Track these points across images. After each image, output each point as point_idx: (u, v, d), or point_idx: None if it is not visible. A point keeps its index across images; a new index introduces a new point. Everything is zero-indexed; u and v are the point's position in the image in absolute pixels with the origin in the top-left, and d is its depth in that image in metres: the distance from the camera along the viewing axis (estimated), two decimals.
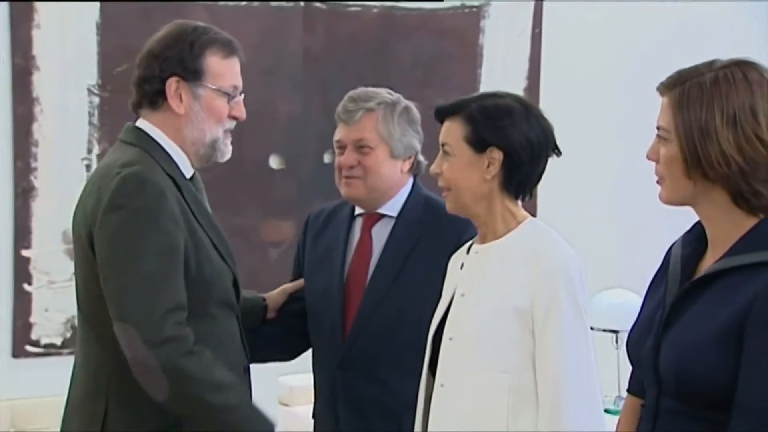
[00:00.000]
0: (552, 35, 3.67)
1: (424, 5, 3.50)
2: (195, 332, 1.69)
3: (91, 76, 3.12)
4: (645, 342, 1.51)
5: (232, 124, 1.87)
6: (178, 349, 1.65)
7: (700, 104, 1.43)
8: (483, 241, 1.87)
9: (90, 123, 3.13)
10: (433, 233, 2.08)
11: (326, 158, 3.43)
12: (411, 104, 2.17)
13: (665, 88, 1.48)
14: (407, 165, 2.15)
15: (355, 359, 2.04)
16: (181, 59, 1.80)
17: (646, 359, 1.50)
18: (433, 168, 1.87)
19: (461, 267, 1.88)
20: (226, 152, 1.87)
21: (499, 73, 3.62)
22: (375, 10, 3.44)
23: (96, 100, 3.14)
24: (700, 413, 1.43)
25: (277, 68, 3.34)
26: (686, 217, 1.56)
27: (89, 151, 3.14)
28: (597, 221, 3.76)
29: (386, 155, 2.11)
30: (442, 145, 1.86)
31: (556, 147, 1.88)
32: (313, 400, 2.18)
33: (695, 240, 1.53)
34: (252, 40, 3.29)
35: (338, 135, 2.17)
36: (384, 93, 2.18)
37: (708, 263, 1.48)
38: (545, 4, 3.66)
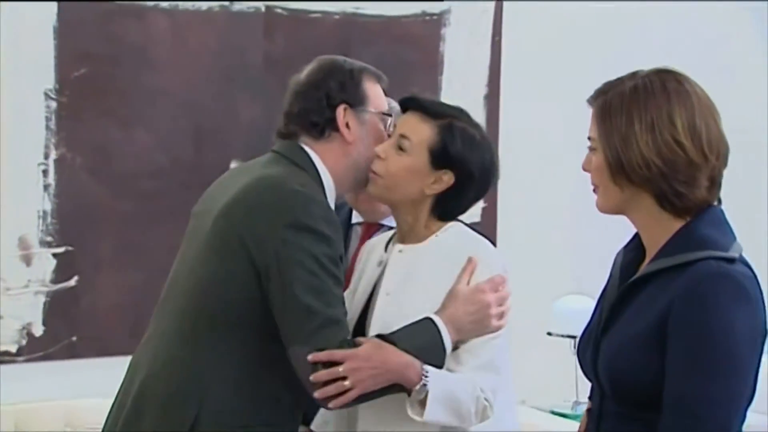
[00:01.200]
0: (512, 43, 3.70)
1: (386, 12, 3.51)
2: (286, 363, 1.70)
3: (48, 81, 3.08)
4: (588, 347, 1.54)
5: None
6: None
7: (620, 112, 1.50)
8: (404, 240, 1.87)
9: (47, 128, 3.09)
10: None
11: None
12: None
13: (592, 99, 1.56)
14: None
15: None
16: (344, 87, 1.82)
17: (588, 363, 1.55)
18: (380, 151, 1.83)
19: (379, 264, 1.87)
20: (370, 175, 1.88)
21: (460, 80, 3.64)
22: (336, 17, 3.44)
23: (53, 104, 3.10)
24: (637, 414, 1.49)
25: (238, 74, 3.32)
26: None
27: (46, 156, 3.10)
28: (556, 227, 3.79)
29: None
30: (401, 136, 1.82)
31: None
32: None
33: (635, 248, 1.58)
34: (213, 45, 3.28)
35: None
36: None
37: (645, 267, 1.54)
38: (505, 12, 3.69)
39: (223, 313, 1.71)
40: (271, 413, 1.73)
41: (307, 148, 1.81)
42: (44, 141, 3.09)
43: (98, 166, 3.15)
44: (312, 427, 1.99)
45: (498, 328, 1.76)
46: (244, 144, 3.35)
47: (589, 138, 1.56)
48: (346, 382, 1.63)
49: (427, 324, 1.73)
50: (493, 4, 3.68)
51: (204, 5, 3.25)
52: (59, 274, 3.10)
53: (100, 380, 3.00)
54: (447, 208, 1.84)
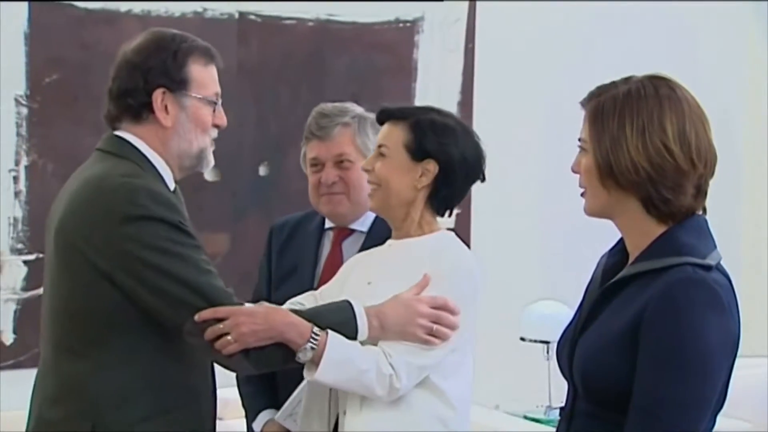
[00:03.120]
0: (485, 50, 3.72)
1: (359, 19, 3.52)
2: (175, 349, 1.68)
3: (19, 87, 3.06)
4: (566, 346, 1.58)
5: (215, 133, 1.84)
6: None
7: (612, 115, 1.51)
8: (396, 238, 1.94)
9: (18, 134, 3.07)
10: None
11: (261, 171, 3.41)
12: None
13: (586, 101, 1.57)
14: None
15: None
16: (165, 69, 1.75)
17: (565, 362, 1.56)
18: (365, 165, 1.91)
19: (371, 265, 1.92)
20: (211, 161, 1.84)
21: (433, 88, 3.65)
22: (310, 24, 3.44)
23: (24, 110, 3.08)
24: (607, 415, 1.50)
25: None
26: (616, 231, 1.61)
27: (17, 163, 3.08)
28: (528, 233, 3.81)
29: None
30: (379, 146, 1.91)
31: (484, 173, 1.96)
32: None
33: (618, 251, 1.60)
34: None
35: (313, 152, 2.15)
36: (352, 106, 2.20)
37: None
38: (478, 20, 3.71)
39: (94, 327, 1.68)
40: (170, 399, 1.70)
41: (126, 135, 1.76)
42: (15, 147, 3.07)
43: (70, 173, 3.08)
44: (278, 419, 2.01)
45: (424, 342, 1.77)
46: (217, 150, 3.33)
47: (579, 139, 1.57)
48: (228, 337, 1.65)
49: (342, 305, 1.76)
50: (466, 11, 3.70)
51: (177, 11, 3.25)
52: (30, 282, 3.08)
53: None
54: (441, 197, 1.90)
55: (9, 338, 3.06)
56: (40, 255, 3.08)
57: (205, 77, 1.79)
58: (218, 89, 1.83)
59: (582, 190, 1.58)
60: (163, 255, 1.65)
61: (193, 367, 1.74)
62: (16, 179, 3.07)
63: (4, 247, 3.05)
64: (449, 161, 1.88)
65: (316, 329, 1.70)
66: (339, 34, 3.49)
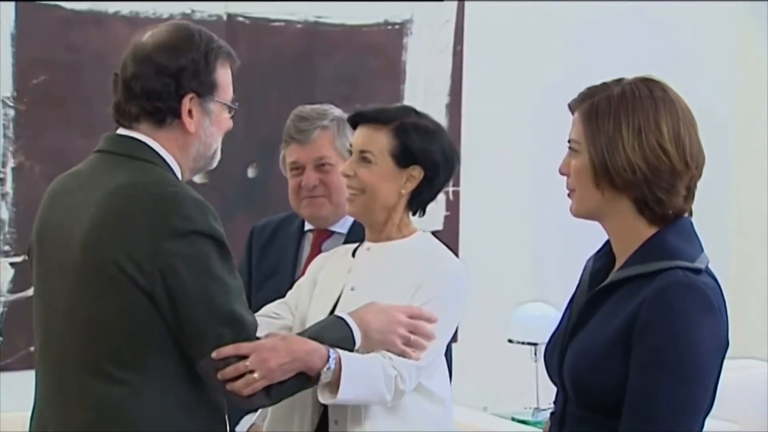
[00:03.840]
0: (474, 52, 3.73)
1: (348, 21, 3.52)
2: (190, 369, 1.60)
3: (6, 88, 3.05)
4: (555, 351, 1.57)
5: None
6: None
7: (608, 116, 1.51)
8: (374, 240, 1.92)
9: (5, 136, 3.06)
10: None
11: (250, 173, 3.41)
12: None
13: (576, 103, 1.57)
14: None
15: None
16: (197, 73, 1.63)
17: (554, 367, 1.56)
18: (346, 170, 1.89)
19: (348, 270, 1.91)
20: (216, 159, 1.75)
21: (422, 90, 3.66)
22: (299, 26, 3.44)
23: (11, 112, 3.06)
24: (598, 419, 1.51)
25: None
26: (604, 232, 1.61)
27: (4, 165, 3.06)
28: (517, 235, 3.82)
29: None
30: (362, 152, 1.88)
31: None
32: None
33: (605, 254, 1.60)
34: None
35: (293, 156, 2.16)
36: (330, 108, 2.19)
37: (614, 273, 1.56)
38: (467, 22, 3.71)
39: (130, 348, 1.56)
40: (204, 422, 1.63)
41: (138, 136, 1.64)
42: (2, 149, 3.06)
43: (57, 175, 3.10)
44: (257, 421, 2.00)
45: (401, 353, 1.75)
46: None
47: (570, 140, 1.56)
48: (255, 375, 1.59)
49: (336, 321, 1.74)
50: (454, 13, 3.70)
51: (165, 13, 3.24)
52: (17, 284, 3.06)
53: None
54: (420, 200, 1.91)
55: None
56: (27, 257, 3.06)
57: (228, 81, 1.71)
58: (232, 92, 1.75)
59: (568, 192, 1.57)
60: (205, 276, 1.55)
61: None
62: (2, 181, 3.05)
63: None
64: (434, 166, 1.88)
65: (330, 350, 1.68)
66: (328, 36, 3.49)
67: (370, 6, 3.54)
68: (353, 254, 1.93)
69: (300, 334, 1.73)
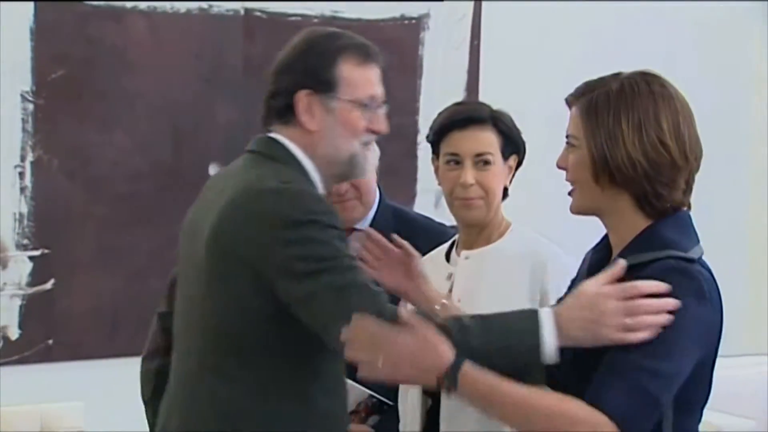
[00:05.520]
0: (490, 47, 3.72)
1: (365, 16, 3.52)
2: (318, 374, 1.60)
3: (25, 83, 3.06)
4: None
5: (371, 138, 1.69)
6: None
7: (607, 111, 1.51)
8: (470, 246, 1.89)
9: (24, 130, 3.07)
10: None
11: None
12: None
13: (574, 98, 1.57)
14: (375, 176, 2.17)
15: None
16: (311, 70, 1.64)
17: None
18: (468, 179, 1.87)
19: (448, 277, 1.88)
20: (365, 168, 1.71)
21: (439, 84, 3.65)
22: (315, 20, 3.44)
23: (30, 106, 3.08)
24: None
25: (217, 76, 3.32)
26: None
27: (22, 159, 3.08)
28: (535, 228, 3.80)
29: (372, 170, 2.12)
30: (480, 155, 1.88)
31: None
32: None
33: (603, 247, 1.61)
34: (192, 48, 3.27)
35: None
36: None
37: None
38: (484, 16, 3.71)
39: (246, 348, 1.58)
40: (314, 426, 1.60)
41: (279, 137, 1.66)
42: (21, 143, 3.07)
43: (75, 169, 3.14)
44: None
45: (618, 341, 1.49)
46: (222, 147, 3.34)
47: (568, 136, 1.57)
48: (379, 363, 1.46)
49: (530, 314, 1.52)
50: (471, 8, 3.69)
51: (183, 7, 3.25)
52: (35, 277, 3.08)
53: (76, 384, 2.99)
54: (507, 189, 1.94)
55: (14, 333, 3.07)
56: (46, 250, 3.09)
57: (357, 78, 1.66)
58: (376, 91, 1.68)
59: (570, 188, 1.58)
60: (327, 261, 1.53)
61: (331, 392, 1.64)
62: (21, 175, 3.07)
63: (9, 242, 3.05)
64: (524, 150, 1.94)
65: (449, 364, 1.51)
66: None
67: (387, 1, 3.54)
68: (447, 258, 1.90)
69: (485, 317, 1.53)
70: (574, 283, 1.63)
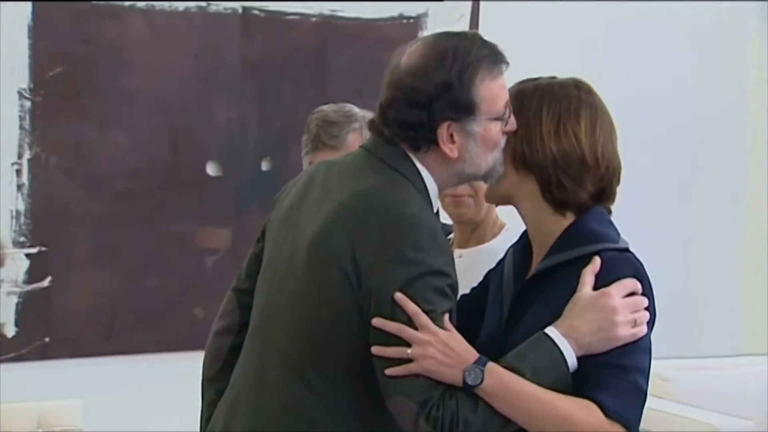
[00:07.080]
0: None
1: (363, 15, 3.52)
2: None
3: (23, 80, 3.07)
4: (490, 347, 1.55)
5: (504, 140, 1.59)
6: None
7: (531, 99, 1.59)
8: (464, 245, 1.91)
9: (21, 127, 3.08)
10: None
11: (264, 166, 3.42)
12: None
13: (510, 88, 1.62)
14: None
15: None
16: (451, 100, 1.51)
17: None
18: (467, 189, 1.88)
19: None
20: (501, 170, 1.61)
21: None
22: (313, 19, 3.44)
23: (28, 104, 3.08)
24: None
25: (215, 75, 3.32)
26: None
27: (20, 156, 3.08)
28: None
29: None
30: None
31: None
32: None
33: (524, 248, 1.65)
34: (189, 47, 3.27)
35: None
36: (351, 108, 2.19)
37: (537, 263, 1.60)
38: (482, 16, 3.71)
39: (332, 361, 1.52)
40: None
41: (412, 156, 1.55)
42: (18, 141, 3.08)
43: (73, 167, 3.14)
44: None
45: (630, 338, 1.49)
46: (220, 145, 3.35)
47: None
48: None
49: (540, 339, 1.49)
50: (469, 8, 3.70)
51: (181, 6, 3.25)
52: (32, 275, 3.09)
53: (72, 381, 2.99)
54: None
55: (11, 331, 3.07)
56: (43, 248, 3.09)
57: (494, 92, 1.55)
58: (506, 96, 1.57)
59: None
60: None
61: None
62: (19, 172, 3.07)
63: (6, 240, 3.05)
64: None
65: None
66: (343, 30, 3.49)
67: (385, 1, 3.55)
68: None
69: (499, 360, 1.50)
70: (501, 283, 1.63)
